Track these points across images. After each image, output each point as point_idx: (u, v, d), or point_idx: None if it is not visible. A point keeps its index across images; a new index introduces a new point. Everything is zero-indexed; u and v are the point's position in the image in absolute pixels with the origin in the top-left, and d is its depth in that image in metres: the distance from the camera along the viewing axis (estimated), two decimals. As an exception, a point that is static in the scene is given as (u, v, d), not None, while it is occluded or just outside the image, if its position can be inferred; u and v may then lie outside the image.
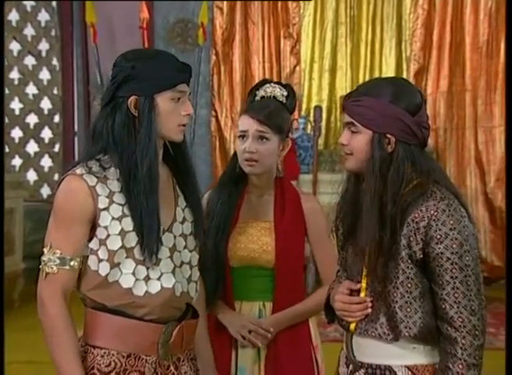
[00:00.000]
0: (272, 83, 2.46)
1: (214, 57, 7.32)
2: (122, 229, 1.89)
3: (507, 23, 5.97)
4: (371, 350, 1.94)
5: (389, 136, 1.88)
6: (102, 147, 1.92)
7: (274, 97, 2.42)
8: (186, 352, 2.02)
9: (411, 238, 1.86)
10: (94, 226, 1.91)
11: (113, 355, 1.90)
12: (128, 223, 1.89)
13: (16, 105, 7.67)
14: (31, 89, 7.66)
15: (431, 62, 7.19)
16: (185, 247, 2.00)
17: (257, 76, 7.12)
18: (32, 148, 7.71)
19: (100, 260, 1.90)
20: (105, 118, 1.93)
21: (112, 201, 1.89)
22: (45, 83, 7.65)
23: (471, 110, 7.17)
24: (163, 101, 1.90)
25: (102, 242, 1.90)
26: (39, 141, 7.70)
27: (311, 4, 7.35)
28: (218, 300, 2.39)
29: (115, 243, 1.89)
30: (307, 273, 4.86)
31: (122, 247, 1.89)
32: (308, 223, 2.43)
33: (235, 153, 2.46)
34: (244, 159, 2.38)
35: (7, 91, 7.61)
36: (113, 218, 1.89)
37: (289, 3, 7.27)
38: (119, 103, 1.91)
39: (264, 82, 2.49)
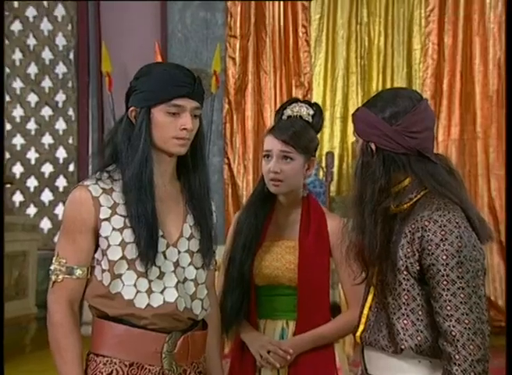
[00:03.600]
0: (299, 103, 2.49)
1: (226, 106, 7.40)
2: (122, 240, 1.91)
3: (507, 74, 6.06)
4: (378, 362, 1.93)
5: (370, 144, 1.92)
6: (109, 156, 1.99)
7: (300, 116, 2.45)
8: (193, 365, 2.00)
9: (408, 249, 1.85)
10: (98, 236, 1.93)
11: (115, 363, 1.90)
12: (129, 235, 1.91)
13: (32, 154, 7.76)
14: (47, 139, 7.75)
15: (441, 111, 7.21)
16: (190, 263, 2.00)
17: (270, 125, 7.14)
18: (47, 196, 7.75)
19: (103, 270, 1.92)
20: (113, 130, 2.02)
21: (114, 213, 1.93)
22: (61, 133, 7.75)
23: (482, 158, 7.17)
24: (158, 113, 1.96)
25: (104, 252, 1.92)
26: (54, 189, 7.76)
27: (322, 54, 7.45)
28: (242, 319, 2.39)
29: (115, 253, 1.91)
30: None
31: (123, 258, 1.90)
32: (332, 244, 2.41)
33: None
34: (270, 179, 2.40)
35: (23, 141, 7.73)
36: (114, 228, 1.92)
37: (301, 54, 7.37)
38: (123, 116, 2.00)
39: (292, 101, 2.52)
